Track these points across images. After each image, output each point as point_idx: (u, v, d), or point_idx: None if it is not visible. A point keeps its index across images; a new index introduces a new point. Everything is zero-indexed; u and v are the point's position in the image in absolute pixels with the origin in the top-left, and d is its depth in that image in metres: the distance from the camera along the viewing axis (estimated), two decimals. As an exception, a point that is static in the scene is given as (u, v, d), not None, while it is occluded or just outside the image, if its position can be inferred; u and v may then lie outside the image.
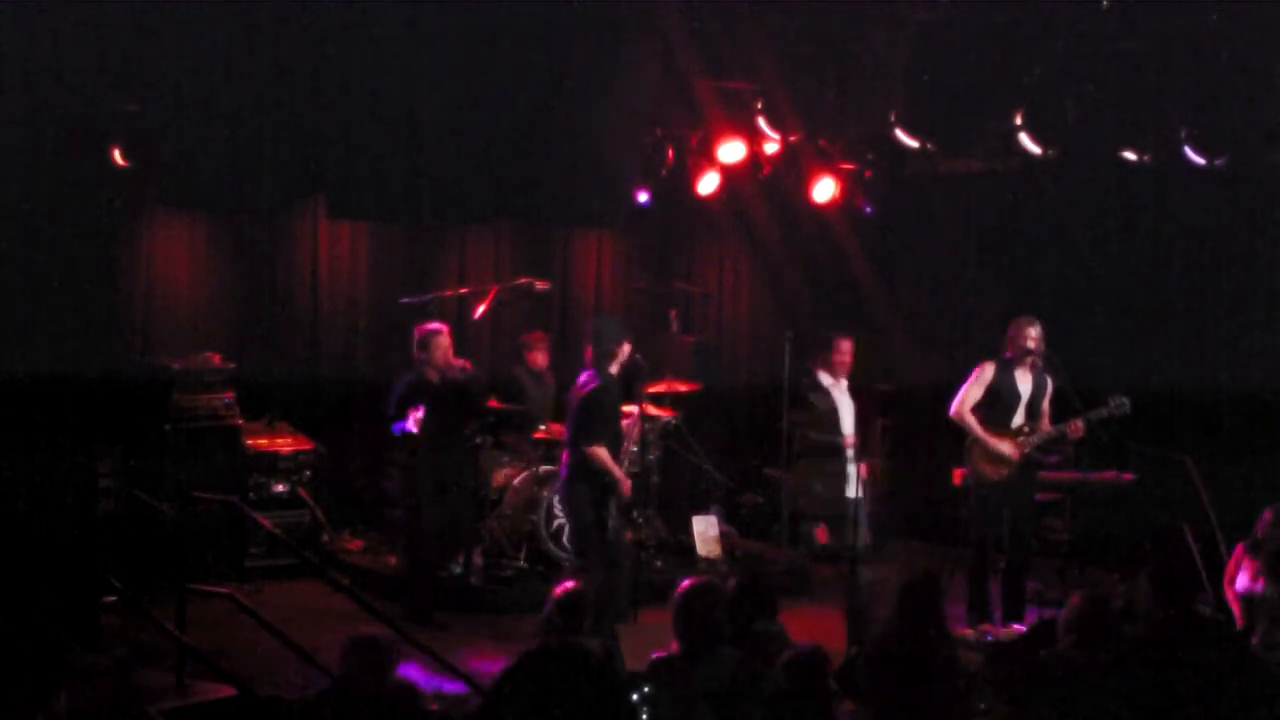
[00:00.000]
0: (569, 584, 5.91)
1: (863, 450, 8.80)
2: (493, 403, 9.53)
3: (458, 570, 9.23)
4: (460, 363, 8.95)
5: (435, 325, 8.90)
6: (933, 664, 5.37)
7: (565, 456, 8.14)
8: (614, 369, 8.05)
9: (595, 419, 7.94)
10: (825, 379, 8.73)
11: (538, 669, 4.70)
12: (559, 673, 4.64)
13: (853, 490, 8.78)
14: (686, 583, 5.41)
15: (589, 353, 8.11)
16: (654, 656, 5.26)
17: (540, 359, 10.13)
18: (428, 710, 5.36)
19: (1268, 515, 7.74)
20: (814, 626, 8.74)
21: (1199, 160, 9.12)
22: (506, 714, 4.73)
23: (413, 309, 10.17)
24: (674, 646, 5.24)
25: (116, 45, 7.74)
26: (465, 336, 11.10)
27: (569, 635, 5.47)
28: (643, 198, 10.53)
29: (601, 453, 7.88)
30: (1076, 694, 5.22)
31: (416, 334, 8.79)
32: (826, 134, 10.30)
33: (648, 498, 9.79)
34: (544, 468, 9.50)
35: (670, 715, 5.03)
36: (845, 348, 8.80)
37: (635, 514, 9.54)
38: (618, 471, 7.97)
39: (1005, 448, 8.49)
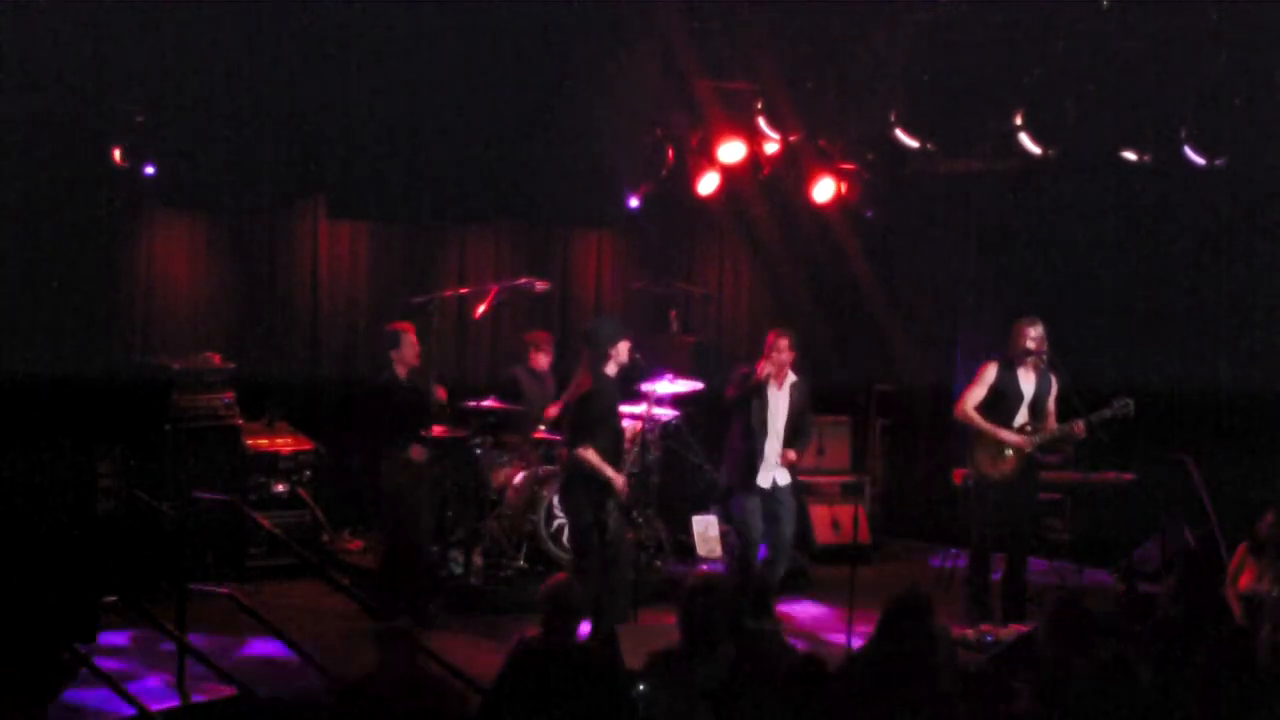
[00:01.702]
0: (558, 577, 5.89)
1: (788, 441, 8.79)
2: (492, 402, 9.54)
3: (458, 570, 9.24)
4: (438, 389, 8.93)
5: (404, 324, 8.88)
6: (916, 678, 5.31)
7: (564, 457, 8.15)
8: (610, 370, 8.04)
9: (587, 421, 7.92)
10: (764, 375, 8.73)
11: (538, 668, 4.70)
12: (559, 672, 4.65)
13: (768, 481, 8.76)
14: (690, 581, 5.40)
15: (585, 356, 8.11)
16: (654, 651, 5.26)
17: (542, 360, 10.12)
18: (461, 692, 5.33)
19: (1269, 516, 7.74)
20: (814, 625, 8.78)
21: (1199, 160, 9.11)
22: (507, 713, 4.74)
23: (413, 309, 10.18)
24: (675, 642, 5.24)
25: (116, 45, 7.74)
26: (465, 336, 11.13)
27: (566, 632, 5.46)
28: (634, 202, 10.52)
29: (590, 455, 7.86)
30: (1077, 693, 5.22)
31: (388, 330, 8.79)
32: (826, 134, 10.28)
33: (648, 498, 9.79)
34: (544, 468, 9.50)
35: (668, 712, 5.02)
36: (777, 343, 8.76)
37: (635, 514, 9.54)
38: (609, 472, 7.94)
39: (1013, 438, 8.49)
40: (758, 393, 8.66)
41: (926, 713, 5.14)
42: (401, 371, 8.63)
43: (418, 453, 8.55)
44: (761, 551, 8.79)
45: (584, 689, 4.74)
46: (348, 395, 10.03)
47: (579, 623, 5.62)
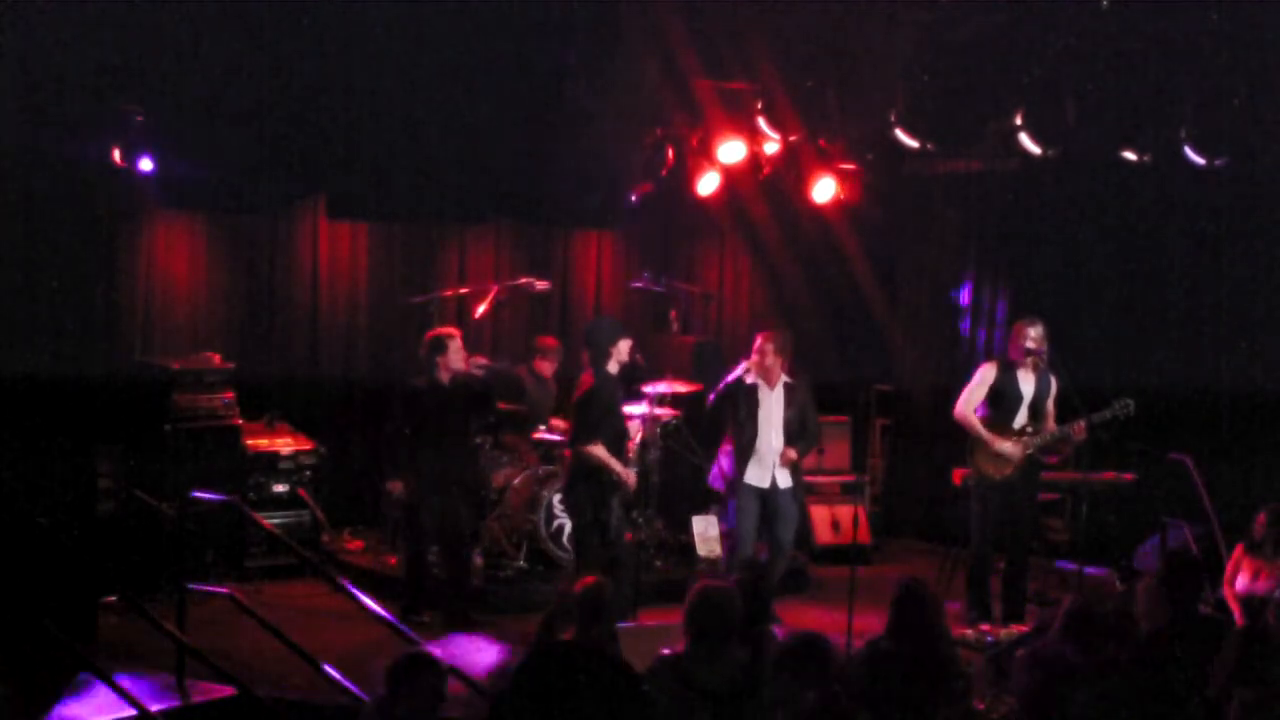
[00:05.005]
0: (589, 580, 5.90)
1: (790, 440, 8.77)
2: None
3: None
4: (479, 358, 8.95)
5: (449, 329, 8.89)
6: (929, 665, 5.38)
7: (568, 456, 8.17)
8: (611, 367, 8.10)
9: (590, 417, 7.97)
10: (750, 378, 8.73)
11: (552, 666, 4.70)
12: (573, 670, 4.64)
13: (766, 481, 8.75)
14: (700, 583, 5.42)
15: (586, 355, 8.15)
16: (661, 654, 5.27)
17: (547, 367, 10.14)
18: None
19: (1263, 516, 7.74)
20: (814, 626, 8.77)
21: (1199, 160, 9.12)
22: (518, 711, 4.73)
23: (413, 309, 10.18)
24: (680, 645, 5.25)
25: (116, 45, 7.75)
26: (465, 336, 11.10)
27: (589, 632, 5.46)
28: (633, 198, 10.53)
29: (598, 450, 7.93)
30: (1076, 693, 5.22)
31: (428, 337, 8.77)
32: (826, 134, 10.28)
33: (648, 498, 9.79)
34: (544, 468, 9.51)
35: (673, 714, 5.03)
36: (761, 346, 8.75)
37: (635, 514, 9.55)
38: (617, 465, 8.00)
39: (1009, 446, 8.49)
40: (740, 395, 8.65)
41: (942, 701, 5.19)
42: (445, 378, 8.60)
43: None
44: (758, 552, 8.81)
45: (597, 687, 4.73)
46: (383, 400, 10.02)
47: (607, 624, 5.63)
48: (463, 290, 10.62)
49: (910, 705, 5.25)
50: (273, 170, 9.06)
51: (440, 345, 8.58)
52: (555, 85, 8.93)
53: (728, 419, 8.77)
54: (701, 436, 10.13)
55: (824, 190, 10.80)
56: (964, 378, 8.85)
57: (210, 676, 7.02)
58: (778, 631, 7.83)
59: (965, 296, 11.54)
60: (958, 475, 9.32)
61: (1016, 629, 8.27)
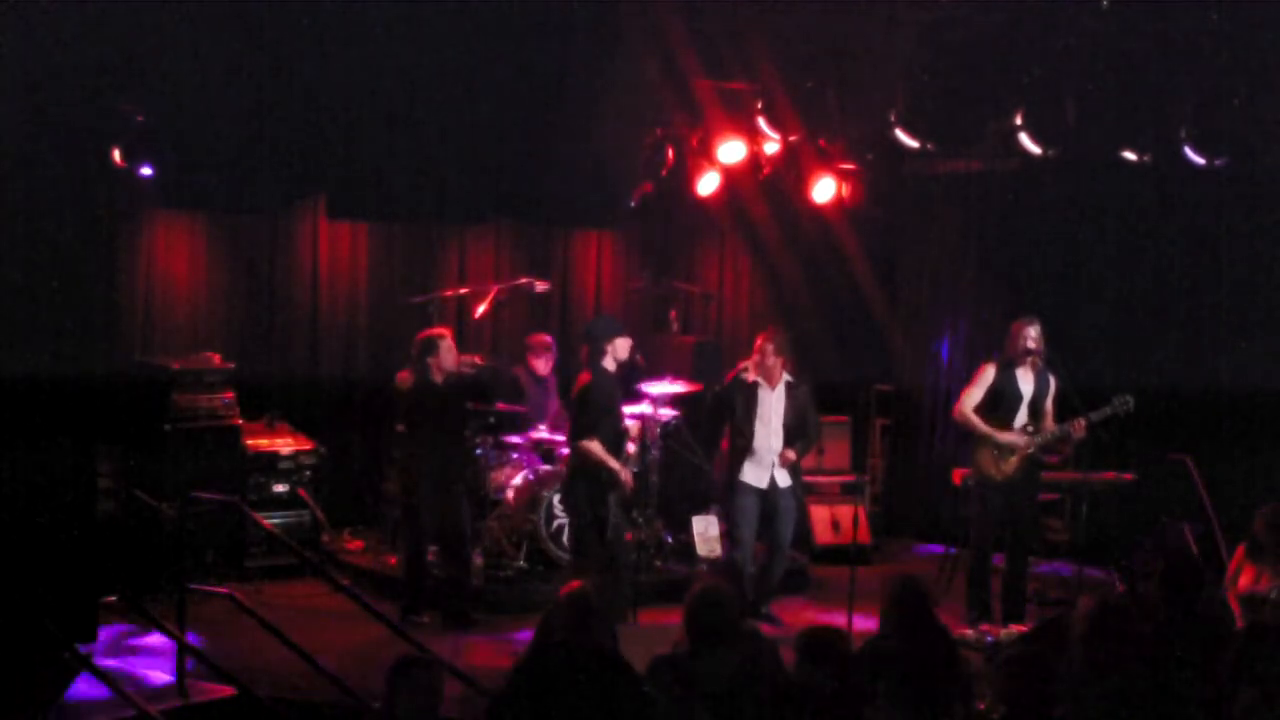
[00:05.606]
0: (574, 584, 5.91)
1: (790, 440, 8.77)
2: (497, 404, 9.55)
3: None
4: (471, 357, 8.96)
5: (439, 330, 8.88)
6: (934, 662, 5.39)
7: (566, 455, 8.18)
8: (608, 364, 8.11)
9: (588, 414, 7.99)
10: (750, 376, 8.75)
11: (551, 666, 4.70)
12: (572, 670, 4.65)
13: (765, 481, 8.77)
14: (699, 582, 5.42)
15: (584, 352, 8.17)
16: (656, 654, 5.27)
17: (541, 366, 10.14)
18: None
19: (1261, 519, 7.73)
20: (812, 624, 8.77)
21: (1199, 160, 9.12)
22: (517, 711, 4.74)
23: (413, 309, 10.18)
24: (676, 643, 5.26)
25: (116, 45, 7.74)
26: (465, 336, 11.12)
27: (588, 633, 5.46)
28: (632, 199, 10.53)
29: (594, 447, 7.93)
30: (1078, 694, 5.22)
31: (419, 339, 8.76)
32: (826, 134, 10.28)
33: (648, 498, 9.79)
34: (544, 468, 9.51)
35: (673, 713, 5.03)
36: (761, 346, 8.77)
37: (635, 514, 9.55)
38: (614, 464, 8.00)
39: (1013, 436, 8.48)
40: (740, 394, 8.67)
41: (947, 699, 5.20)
42: (438, 378, 8.59)
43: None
44: (758, 551, 8.82)
45: (595, 687, 4.73)
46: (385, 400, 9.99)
47: (600, 625, 5.63)
48: (463, 290, 10.63)
49: (914, 704, 5.24)
50: (273, 170, 9.06)
51: (431, 346, 8.59)
52: (555, 85, 8.93)
53: (726, 418, 8.78)
54: (702, 437, 10.14)
55: (824, 190, 10.81)
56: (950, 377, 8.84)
57: (210, 676, 7.03)
58: (772, 631, 7.89)
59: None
60: (958, 475, 9.30)
61: (1016, 629, 8.28)
